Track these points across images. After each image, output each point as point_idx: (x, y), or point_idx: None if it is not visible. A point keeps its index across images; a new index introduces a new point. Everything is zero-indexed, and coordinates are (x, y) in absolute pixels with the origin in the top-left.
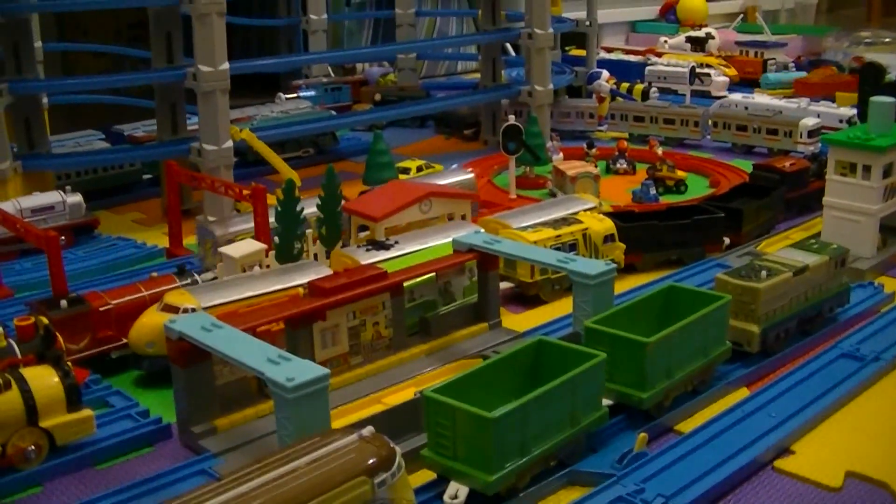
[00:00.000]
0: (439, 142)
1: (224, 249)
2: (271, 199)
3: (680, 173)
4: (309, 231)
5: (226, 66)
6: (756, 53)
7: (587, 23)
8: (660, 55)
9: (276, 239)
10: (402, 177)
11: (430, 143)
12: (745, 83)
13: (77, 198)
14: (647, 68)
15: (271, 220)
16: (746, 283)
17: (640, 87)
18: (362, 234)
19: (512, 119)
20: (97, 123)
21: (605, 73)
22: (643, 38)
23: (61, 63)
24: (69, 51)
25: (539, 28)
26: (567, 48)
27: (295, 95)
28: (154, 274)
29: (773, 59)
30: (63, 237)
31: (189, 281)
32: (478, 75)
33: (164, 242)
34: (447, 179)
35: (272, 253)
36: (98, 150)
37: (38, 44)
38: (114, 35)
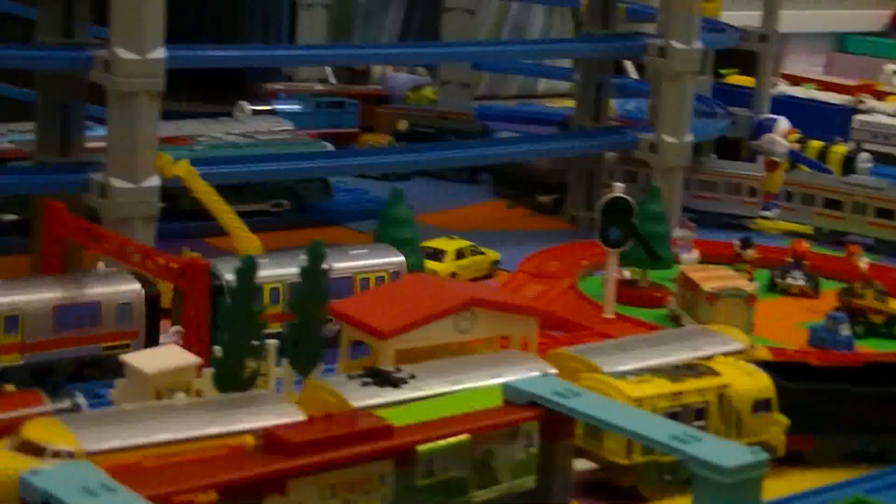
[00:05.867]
0: (497, 211)
1: (129, 359)
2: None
3: None
4: (272, 343)
5: (159, 53)
6: None
7: (761, 34)
8: (882, 96)
9: (218, 351)
10: (431, 266)
11: (483, 211)
12: None
13: None
14: (857, 117)
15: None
16: None
17: (840, 149)
18: (359, 358)
19: (620, 189)
20: None
21: (784, 122)
22: (856, 62)
23: None
24: None
25: (679, 40)
26: (723, 73)
27: (267, 109)
28: (9, 387)
29: None
30: None
31: (68, 403)
32: (571, 105)
33: None
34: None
35: (208, 372)
36: None
37: None
38: None
